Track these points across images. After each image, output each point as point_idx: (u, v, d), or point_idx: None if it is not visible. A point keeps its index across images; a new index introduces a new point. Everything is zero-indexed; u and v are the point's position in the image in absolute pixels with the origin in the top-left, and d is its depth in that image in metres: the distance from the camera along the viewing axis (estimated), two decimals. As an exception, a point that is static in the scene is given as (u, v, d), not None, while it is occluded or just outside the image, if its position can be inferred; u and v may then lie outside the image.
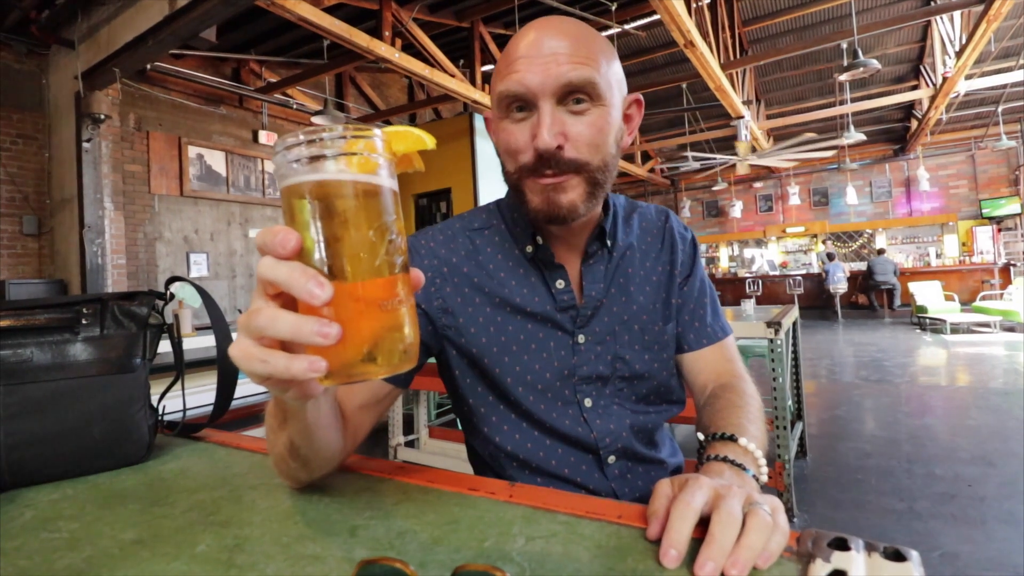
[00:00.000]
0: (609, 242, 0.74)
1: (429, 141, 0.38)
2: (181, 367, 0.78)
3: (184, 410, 0.83)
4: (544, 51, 0.61)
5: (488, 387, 0.72)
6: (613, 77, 0.65)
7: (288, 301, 0.35)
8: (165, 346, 0.77)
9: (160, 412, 0.77)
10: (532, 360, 0.70)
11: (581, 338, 0.71)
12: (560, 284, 0.71)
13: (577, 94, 0.61)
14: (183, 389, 0.81)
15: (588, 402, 0.71)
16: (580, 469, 0.71)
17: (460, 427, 0.80)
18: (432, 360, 0.78)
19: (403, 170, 0.39)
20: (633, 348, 0.73)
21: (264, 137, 6.64)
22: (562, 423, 0.70)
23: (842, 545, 0.38)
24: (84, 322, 0.67)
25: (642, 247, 0.78)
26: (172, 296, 0.75)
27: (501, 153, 0.68)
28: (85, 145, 4.42)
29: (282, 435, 0.50)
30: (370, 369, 0.34)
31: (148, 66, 5.03)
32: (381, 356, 0.34)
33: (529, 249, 0.72)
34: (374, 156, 0.35)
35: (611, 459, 0.72)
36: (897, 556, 0.36)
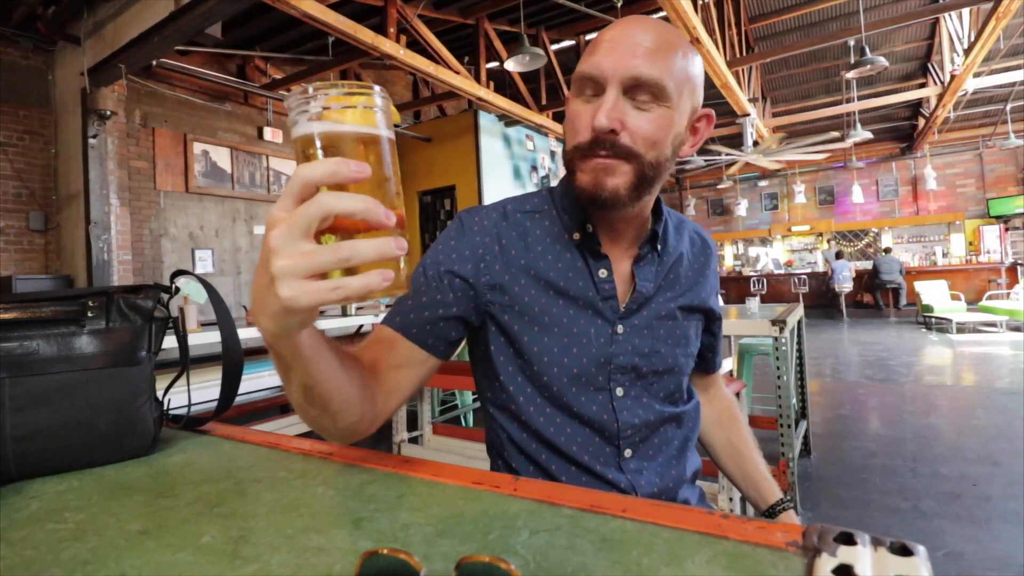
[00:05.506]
0: (660, 246, 0.76)
1: (398, 116, 0.46)
2: (186, 360, 0.78)
3: (189, 404, 0.84)
4: (626, 41, 0.64)
5: (521, 366, 0.73)
6: (686, 86, 0.67)
7: (329, 237, 0.38)
8: (170, 343, 0.77)
9: (165, 405, 0.77)
10: (571, 344, 0.71)
11: (620, 328, 0.73)
12: (603, 273, 0.73)
13: (643, 90, 0.63)
14: (188, 383, 0.81)
15: (620, 391, 0.73)
16: (599, 459, 0.72)
17: (484, 408, 0.81)
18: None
19: None
20: (667, 342, 0.76)
21: (269, 134, 6.64)
22: (589, 409, 0.72)
23: (848, 540, 0.38)
24: (90, 315, 0.68)
25: (689, 257, 0.82)
26: (177, 289, 0.76)
27: (566, 131, 0.70)
28: (91, 141, 4.44)
29: (294, 382, 0.51)
30: (394, 284, 0.39)
31: (154, 62, 5.03)
32: (399, 273, 0.40)
33: (576, 236, 0.74)
34: (387, 113, 0.41)
35: (628, 452, 0.73)
36: (904, 551, 0.36)
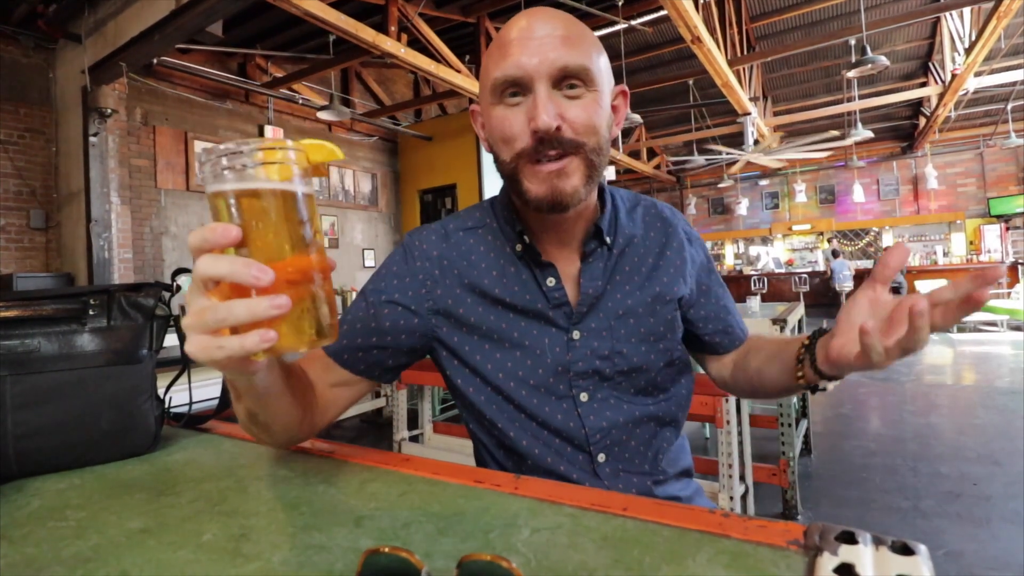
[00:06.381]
0: (609, 238, 0.73)
1: (339, 153, 0.46)
2: (187, 358, 0.78)
3: (190, 402, 0.84)
4: (538, 35, 0.62)
5: (482, 383, 0.72)
6: (603, 65, 0.66)
7: (226, 295, 0.39)
8: (171, 341, 0.77)
9: (166, 404, 0.77)
10: (525, 356, 0.70)
11: (576, 334, 0.71)
12: (551, 282, 0.71)
13: (571, 79, 0.62)
14: (189, 381, 0.81)
15: (584, 396, 0.71)
16: (574, 468, 0.71)
17: (465, 423, 0.80)
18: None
19: (316, 175, 0.45)
20: (630, 341, 0.72)
21: (270, 132, 6.64)
22: (554, 418, 0.70)
23: (850, 539, 0.38)
24: (91, 313, 0.68)
25: (645, 241, 0.77)
26: (179, 288, 0.76)
27: (495, 142, 0.67)
28: (92, 139, 4.44)
29: (240, 406, 0.56)
30: (292, 342, 0.40)
31: (155, 61, 5.03)
32: (302, 331, 0.40)
33: (519, 247, 0.72)
34: (290, 165, 0.41)
35: (601, 457, 0.71)
36: (905, 550, 0.36)
